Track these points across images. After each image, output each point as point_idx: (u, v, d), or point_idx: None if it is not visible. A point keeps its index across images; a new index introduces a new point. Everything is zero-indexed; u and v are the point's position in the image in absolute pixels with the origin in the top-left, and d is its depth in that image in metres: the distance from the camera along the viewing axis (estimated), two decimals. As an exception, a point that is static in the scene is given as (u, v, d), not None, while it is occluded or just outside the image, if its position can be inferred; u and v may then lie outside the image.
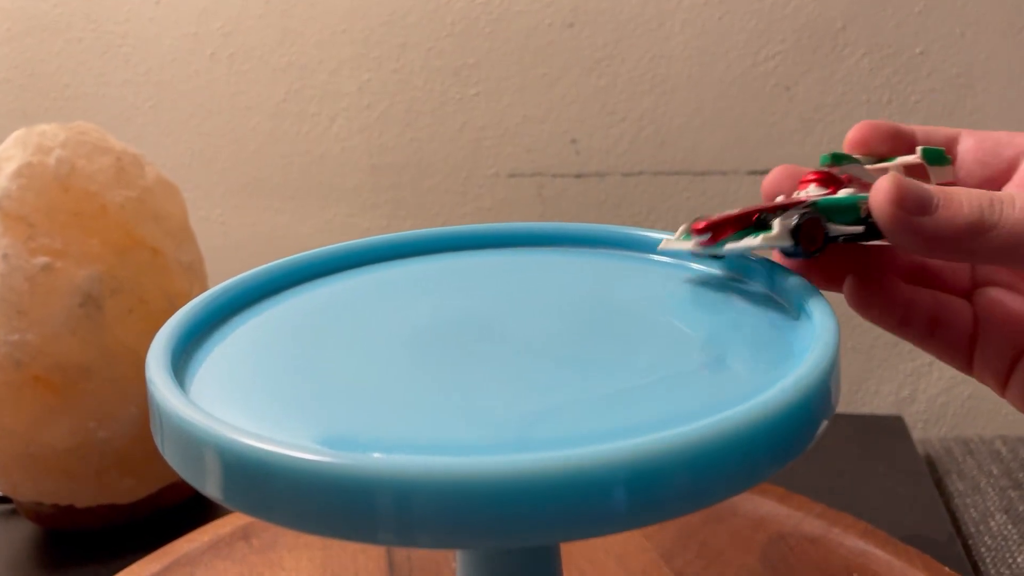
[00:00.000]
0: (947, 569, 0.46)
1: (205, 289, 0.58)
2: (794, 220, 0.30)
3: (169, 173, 0.58)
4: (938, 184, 0.35)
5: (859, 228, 0.32)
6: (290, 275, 0.36)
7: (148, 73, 0.80)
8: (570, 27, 0.72)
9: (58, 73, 0.81)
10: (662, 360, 0.29)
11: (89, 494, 0.54)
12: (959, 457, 0.63)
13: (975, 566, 0.53)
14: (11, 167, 0.51)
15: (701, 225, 0.32)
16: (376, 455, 0.23)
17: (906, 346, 0.73)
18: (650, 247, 0.38)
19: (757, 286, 0.34)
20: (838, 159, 0.36)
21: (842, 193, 0.33)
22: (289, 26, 0.76)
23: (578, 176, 0.74)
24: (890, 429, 0.66)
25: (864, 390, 0.75)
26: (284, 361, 0.30)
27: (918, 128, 0.38)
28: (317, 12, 0.75)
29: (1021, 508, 0.56)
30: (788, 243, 0.30)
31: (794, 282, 0.32)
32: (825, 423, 0.27)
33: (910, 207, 0.31)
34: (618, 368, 0.29)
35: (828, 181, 0.34)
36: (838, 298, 0.35)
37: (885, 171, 0.36)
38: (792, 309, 0.32)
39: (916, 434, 0.72)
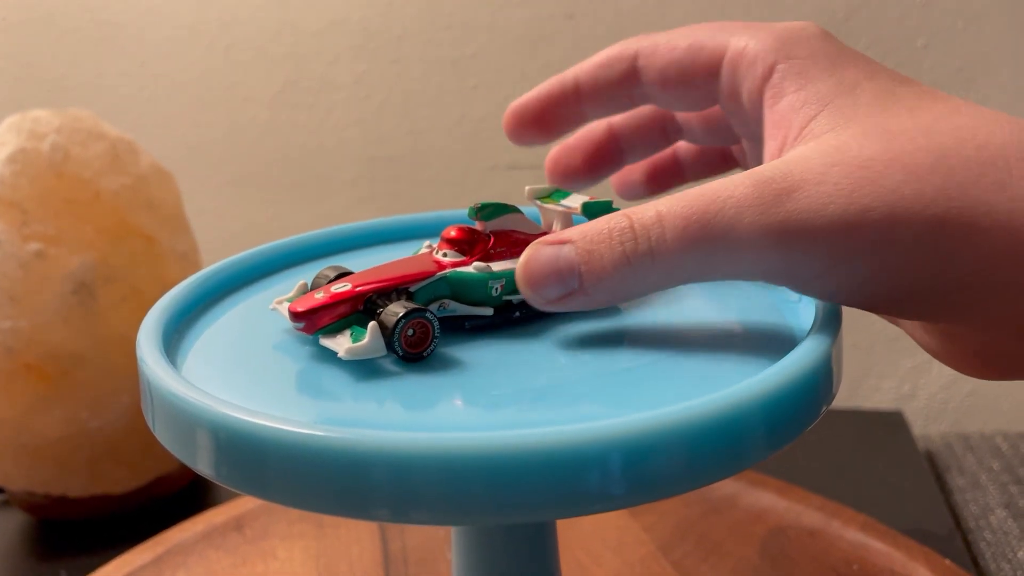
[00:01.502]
0: (948, 561, 0.45)
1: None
2: (393, 325, 0.26)
3: (165, 164, 0.58)
4: None
5: (488, 311, 0.29)
6: (283, 257, 0.36)
7: (144, 64, 0.79)
8: (570, 18, 0.72)
9: (54, 63, 0.80)
10: (659, 341, 0.29)
11: (81, 484, 0.53)
12: (959, 453, 0.63)
13: (975, 561, 0.52)
14: (4, 153, 0.51)
15: (299, 310, 0.27)
16: (370, 430, 0.22)
17: (907, 342, 0.73)
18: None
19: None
20: (487, 211, 0.31)
21: (474, 266, 0.29)
22: (286, 17, 0.76)
23: (577, 168, 0.74)
24: (890, 425, 0.66)
25: (865, 385, 0.75)
26: (276, 342, 0.29)
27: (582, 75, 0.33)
28: (315, 3, 0.75)
29: (1022, 503, 0.55)
30: (382, 352, 0.26)
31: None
32: (824, 408, 0.26)
33: (552, 296, 0.27)
34: (614, 348, 0.28)
35: (467, 244, 0.30)
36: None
37: (557, 213, 0.33)
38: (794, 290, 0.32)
39: (916, 430, 0.72)
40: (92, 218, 0.52)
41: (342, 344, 0.26)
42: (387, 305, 0.27)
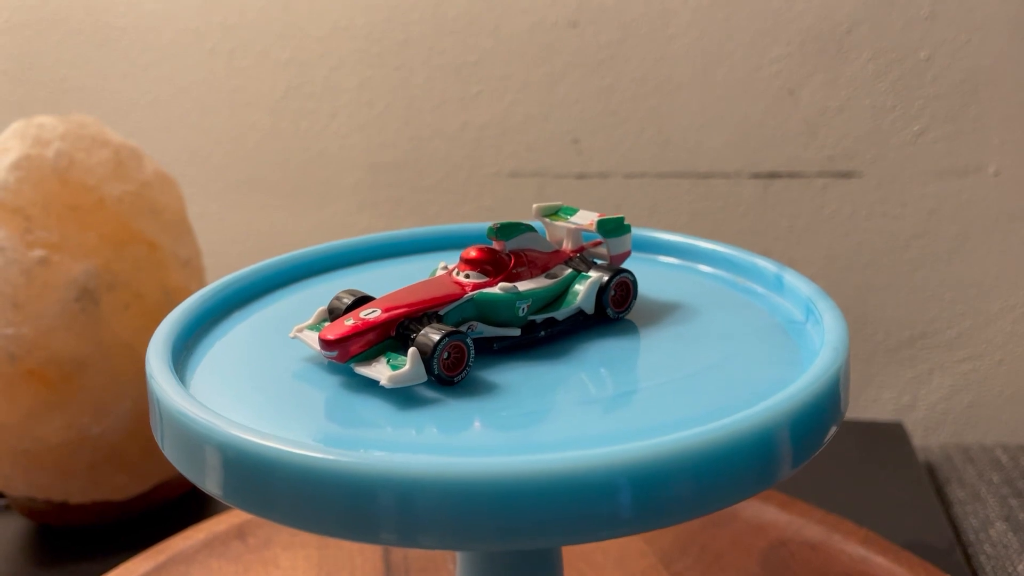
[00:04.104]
0: (949, 577, 0.46)
1: (203, 285, 0.57)
2: (432, 349, 0.26)
3: (167, 168, 0.58)
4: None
5: (515, 331, 0.29)
6: (292, 271, 0.36)
7: (147, 67, 0.79)
8: (574, 26, 0.72)
9: (56, 66, 0.80)
10: (669, 362, 0.29)
11: (82, 490, 0.53)
12: (959, 465, 0.63)
13: (975, 574, 0.53)
14: (9, 159, 0.51)
15: (330, 338, 0.27)
16: (379, 454, 0.22)
17: (906, 353, 0.73)
18: (657, 248, 0.38)
19: (765, 287, 0.34)
20: (506, 231, 0.31)
21: (500, 287, 0.29)
22: (290, 21, 0.76)
23: (580, 176, 0.74)
24: (890, 436, 0.66)
25: (864, 397, 0.75)
26: (285, 358, 0.29)
27: None
28: (318, 8, 0.75)
29: (1021, 516, 0.56)
30: (423, 378, 0.26)
31: (802, 284, 0.32)
32: (834, 429, 0.27)
33: None
34: (623, 371, 0.29)
35: (490, 265, 0.30)
36: (844, 302, 0.34)
37: (566, 230, 0.33)
38: (800, 311, 0.32)
39: (916, 441, 0.72)
40: (96, 224, 0.52)
41: (382, 372, 0.26)
42: (419, 329, 0.27)
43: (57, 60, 0.80)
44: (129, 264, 0.53)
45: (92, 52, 0.79)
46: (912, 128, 0.69)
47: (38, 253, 0.50)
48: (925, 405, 0.75)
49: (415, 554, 0.48)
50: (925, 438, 0.75)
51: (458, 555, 0.32)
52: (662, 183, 0.73)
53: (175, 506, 0.57)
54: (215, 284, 0.33)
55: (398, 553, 0.48)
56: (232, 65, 0.77)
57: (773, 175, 0.71)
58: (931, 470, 0.64)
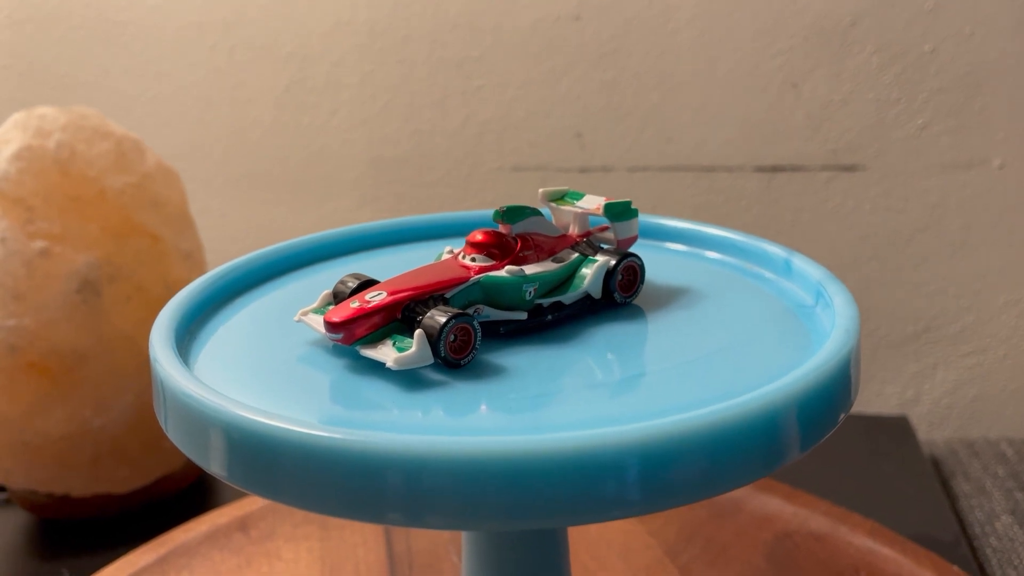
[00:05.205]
0: (955, 568, 0.45)
1: (205, 277, 0.57)
2: (438, 332, 0.26)
3: (168, 163, 0.57)
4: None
5: (522, 315, 0.29)
6: (295, 258, 0.36)
7: (149, 63, 0.79)
8: (576, 20, 0.71)
9: (57, 61, 0.80)
10: (678, 346, 0.28)
11: (84, 483, 0.53)
12: (964, 458, 0.62)
13: (981, 567, 0.52)
14: (10, 150, 0.51)
15: (336, 320, 0.27)
16: (385, 433, 0.22)
17: (911, 347, 0.73)
18: (664, 235, 0.37)
19: (773, 272, 0.34)
20: (513, 214, 0.31)
21: (507, 270, 0.29)
22: (292, 17, 0.75)
23: (583, 171, 0.74)
24: (895, 430, 0.66)
25: (869, 391, 0.75)
26: (290, 342, 0.29)
27: None
28: (320, 3, 0.75)
29: (1027, 510, 0.55)
30: (429, 361, 0.26)
31: (811, 268, 0.32)
32: (844, 412, 0.26)
33: None
34: (630, 355, 0.28)
35: (496, 249, 0.30)
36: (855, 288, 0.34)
37: (573, 215, 0.32)
38: (810, 295, 0.31)
39: (921, 435, 0.72)
40: (97, 216, 0.51)
41: (388, 354, 0.26)
42: (426, 312, 0.27)
43: (59, 56, 0.80)
44: (131, 256, 0.52)
45: (94, 48, 0.79)
46: (916, 121, 0.69)
47: (39, 244, 0.50)
48: (930, 399, 0.74)
49: (418, 546, 0.48)
50: (930, 432, 0.75)
51: (464, 542, 0.32)
52: (665, 177, 0.73)
53: (177, 499, 0.57)
54: (218, 269, 0.33)
55: (401, 544, 0.48)
56: (234, 60, 0.77)
57: (776, 169, 0.71)
58: (936, 464, 0.64)
